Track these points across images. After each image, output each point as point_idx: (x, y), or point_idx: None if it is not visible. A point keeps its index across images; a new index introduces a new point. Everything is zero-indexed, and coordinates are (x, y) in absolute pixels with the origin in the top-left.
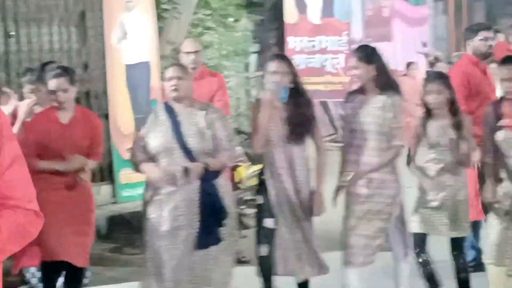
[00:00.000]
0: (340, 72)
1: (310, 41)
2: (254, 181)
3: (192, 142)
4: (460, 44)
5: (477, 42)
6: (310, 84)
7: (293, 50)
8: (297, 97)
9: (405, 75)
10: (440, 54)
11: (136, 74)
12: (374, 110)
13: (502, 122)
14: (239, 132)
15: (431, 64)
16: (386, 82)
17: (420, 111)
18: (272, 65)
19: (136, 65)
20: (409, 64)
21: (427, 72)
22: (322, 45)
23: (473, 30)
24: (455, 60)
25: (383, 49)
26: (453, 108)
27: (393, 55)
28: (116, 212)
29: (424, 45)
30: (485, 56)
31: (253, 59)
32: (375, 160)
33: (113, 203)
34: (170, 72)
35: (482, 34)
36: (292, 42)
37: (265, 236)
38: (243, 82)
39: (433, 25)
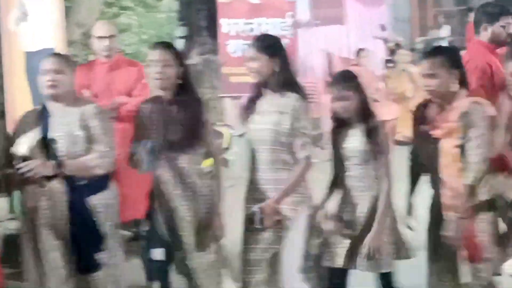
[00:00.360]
0: None
1: (247, 24)
2: None
3: (60, 147)
4: (425, 28)
5: (498, 29)
6: (247, 76)
7: (227, 35)
8: (184, 95)
9: (355, 64)
10: (402, 40)
11: (39, 63)
12: (268, 115)
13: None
14: None
15: (392, 51)
16: (287, 80)
17: (378, 108)
18: (153, 55)
19: (38, 52)
20: (359, 51)
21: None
22: (262, 29)
23: (494, 14)
24: (420, 47)
25: (335, 33)
26: (364, 113)
27: (346, 41)
28: (14, 230)
29: (383, 28)
30: (501, 44)
31: (179, 45)
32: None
33: (11, 219)
34: (46, 64)
35: (504, 20)
36: (226, 25)
37: (153, 270)
38: None
39: (393, 4)
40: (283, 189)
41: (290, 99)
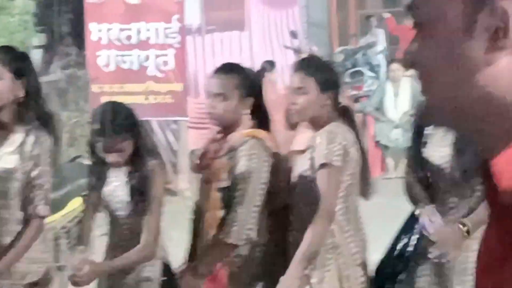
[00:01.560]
0: (170, 77)
1: (123, 30)
2: None
3: None
4: (346, 35)
5: None
6: (124, 95)
7: (97, 43)
8: None
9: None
10: (317, 50)
11: None
12: (6, 157)
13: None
14: None
15: None
16: (32, 112)
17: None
18: None
19: None
20: (265, 65)
21: None
22: (142, 36)
23: None
24: (341, 59)
25: (234, 41)
26: (137, 159)
27: (247, 51)
28: None
29: (294, 36)
30: None
31: (36, 56)
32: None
33: None
34: None
35: None
36: (96, 32)
37: None
38: None
39: (306, 6)
40: (6, 257)
41: (29, 138)
